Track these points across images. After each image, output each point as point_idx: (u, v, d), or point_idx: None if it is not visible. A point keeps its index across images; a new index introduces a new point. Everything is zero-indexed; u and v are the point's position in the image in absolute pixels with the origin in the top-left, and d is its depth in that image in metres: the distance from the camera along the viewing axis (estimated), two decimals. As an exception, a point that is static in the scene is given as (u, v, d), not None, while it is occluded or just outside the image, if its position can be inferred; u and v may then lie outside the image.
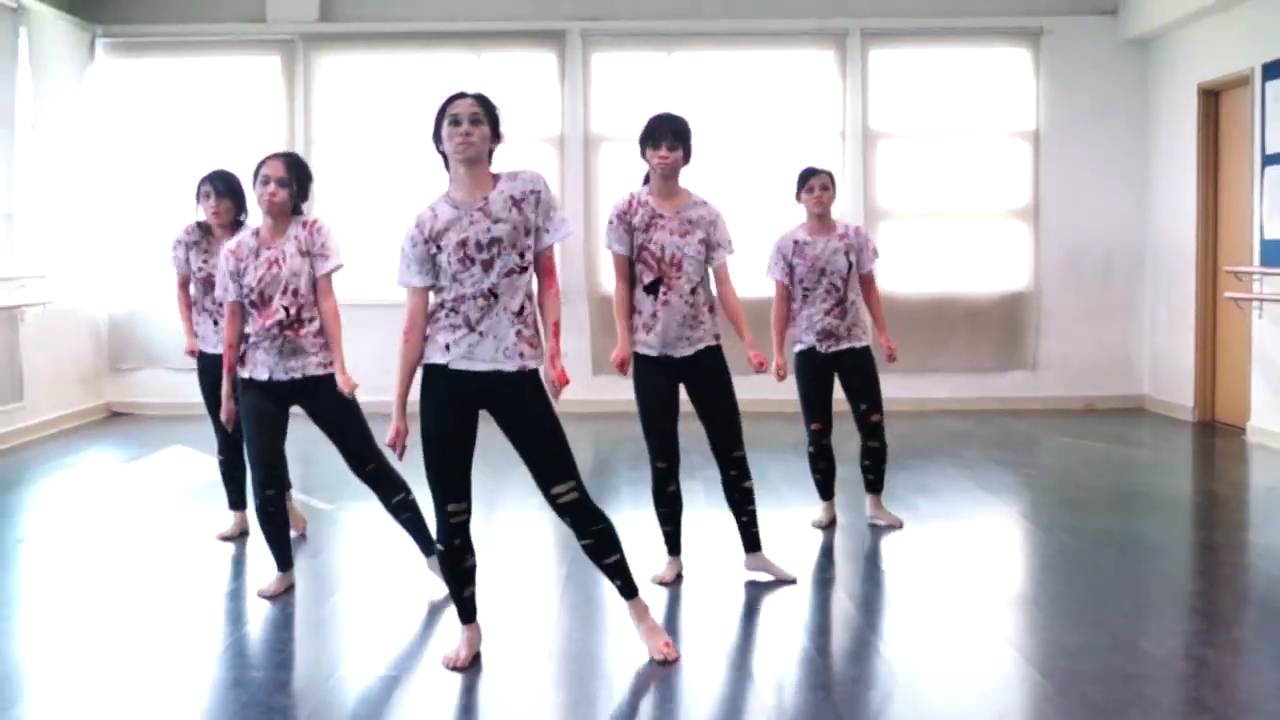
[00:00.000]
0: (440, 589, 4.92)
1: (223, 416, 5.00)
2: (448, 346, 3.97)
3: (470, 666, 4.09)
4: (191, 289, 5.83)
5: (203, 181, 5.79)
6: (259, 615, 4.77)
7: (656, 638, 4.17)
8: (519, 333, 3.99)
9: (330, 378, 4.85)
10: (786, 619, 4.70)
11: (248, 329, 4.84)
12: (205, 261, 5.74)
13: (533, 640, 4.40)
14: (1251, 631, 4.60)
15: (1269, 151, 8.53)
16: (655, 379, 4.94)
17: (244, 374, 4.87)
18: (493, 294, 3.96)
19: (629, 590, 4.20)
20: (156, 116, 10.30)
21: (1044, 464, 8.01)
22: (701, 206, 4.98)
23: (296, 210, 4.91)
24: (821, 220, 5.82)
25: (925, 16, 10.20)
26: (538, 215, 4.01)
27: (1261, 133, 8.61)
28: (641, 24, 10.21)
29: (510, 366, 3.98)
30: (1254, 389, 8.72)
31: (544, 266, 4.06)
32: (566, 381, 4.00)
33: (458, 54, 10.27)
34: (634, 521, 5.89)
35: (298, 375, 4.82)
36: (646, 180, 4.99)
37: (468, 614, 4.18)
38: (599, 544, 4.13)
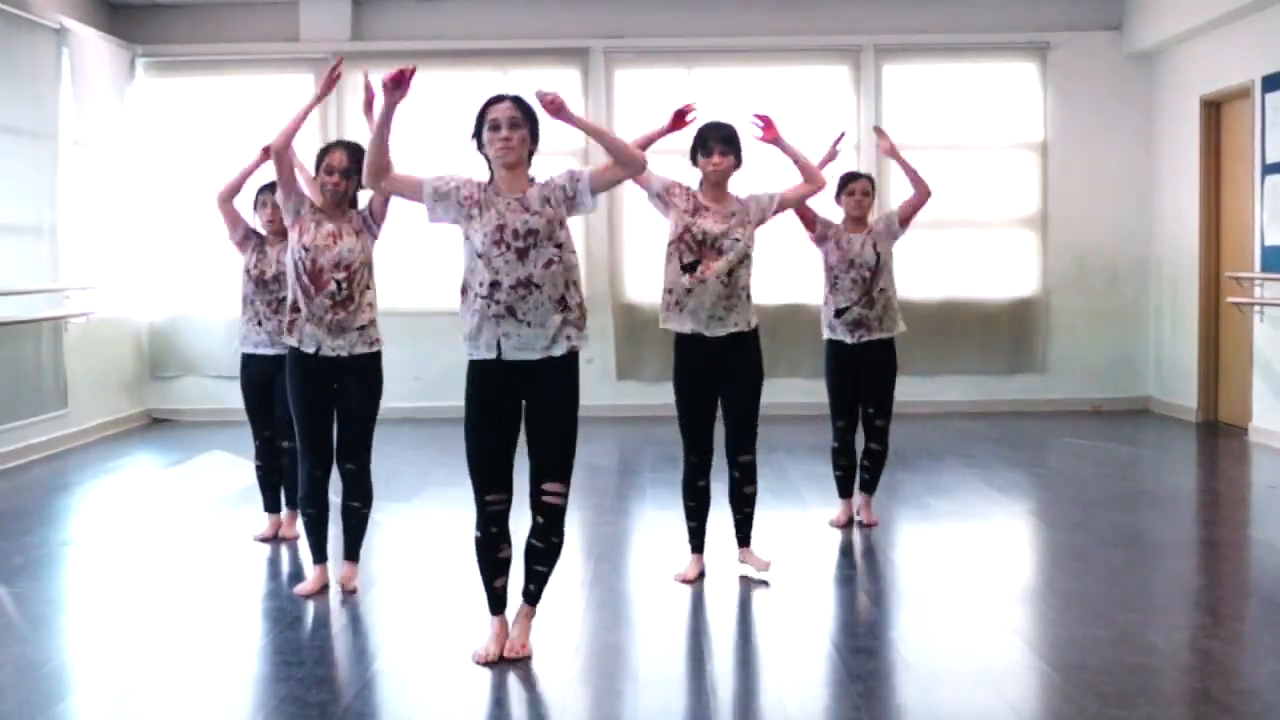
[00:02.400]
0: (473, 589, 5.04)
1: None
2: (498, 342, 3.98)
3: (499, 662, 4.09)
4: (243, 286, 5.72)
5: (261, 191, 5.74)
6: (296, 613, 4.81)
7: (518, 639, 4.16)
8: (565, 319, 4.02)
9: (373, 357, 4.89)
10: (805, 615, 4.75)
11: (301, 300, 4.78)
12: (260, 260, 5.67)
13: (560, 636, 4.42)
14: (1254, 625, 4.66)
15: (1269, 161, 8.63)
16: (691, 362, 4.98)
17: (291, 342, 4.85)
18: (532, 283, 3.96)
19: (534, 598, 4.20)
20: (194, 133, 10.46)
21: (1052, 464, 8.05)
22: (741, 200, 5.07)
23: (354, 203, 4.94)
24: (858, 222, 5.93)
25: (936, 33, 10.35)
26: (566, 189, 4.04)
27: (1262, 143, 8.71)
28: (662, 41, 10.39)
29: (559, 351, 4.02)
30: (1255, 390, 8.81)
31: (606, 166, 4.11)
32: (558, 102, 3.99)
33: (485, 71, 10.43)
34: (658, 524, 6.00)
35: (343, 353, 4.81)
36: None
37: (498, 604, 4.17)
38: (547, 551, 4.15)
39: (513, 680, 4.06)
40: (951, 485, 7.13)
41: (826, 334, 5.95)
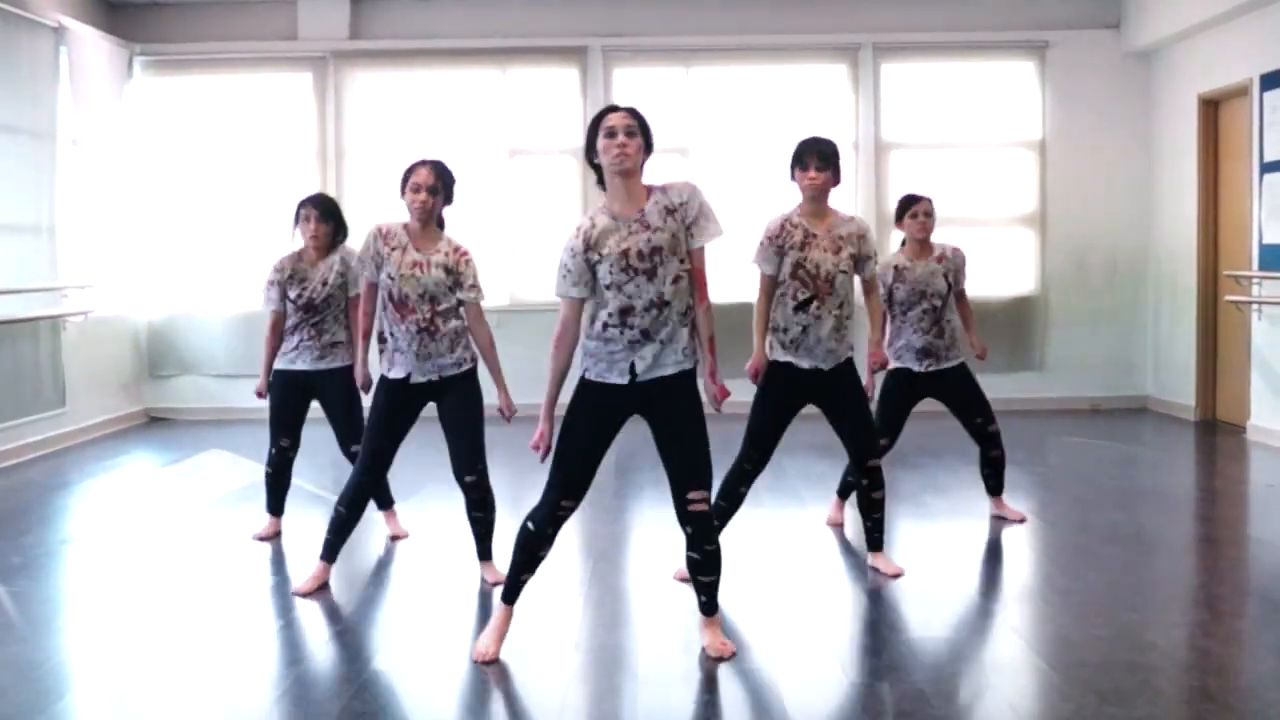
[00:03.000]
0: (474, 582, 5.07)
1: (360, 383, 5.21)
2: (632, 365, 4.02)
3: (495, 662, 4.13)
4: (290, 318, 5.75)
5: (303, 204, 5.81)
6: (294, 611, 4.83)
7: (715, 637, 4.23)
8: (689, 332, 4.07)
9: (467, 374, 4.97)
10: (803, 613, 4.77)
11: (388, 329, 4.89)
12: (304, 289, 5.71)
13: (559, 634, 4.45)
14: (1252, 623, 4.65)
15: (1267, 159, 8.65)
16: (784, 391, 5.03)
17: (383, 370, 4.94)
18: (664, 302, 4.00)
19: (710, 609, 4.24)
20: (192, 131, 10.49)
21: (1051, 462, 8.04)
22: (850, 222, 5.07)
23: (440, 223, 5.00)
24: (923, 245, 5.94)
25: (935, 31, 10.37)
26: (688, 219, 4.03)
27: (1260, 141, 8.73)
28: (661, 40, 10.41)
29: (688, 365, 4.07)
30: (1253, 389, 8.84)
31: (695, 277, 4.09)
32: (727, 394, 4.10)
33: (483, 70, 10.47)
34: (656, 523, 5.82)
35: (434, 377, 4.91)
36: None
37: (512, 595, 4.22)
38: (705, 562, 4.17)
39: (512, 678, 4.08)
40: (950, 484, 7.12)
41: (894, 364, 5.95)
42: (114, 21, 10.28)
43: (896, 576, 5.15)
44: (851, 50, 10.40)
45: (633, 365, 4.03)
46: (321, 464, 8.07)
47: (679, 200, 4.05)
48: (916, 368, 5.92)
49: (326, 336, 5.73)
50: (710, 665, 4.14)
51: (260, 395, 5.92)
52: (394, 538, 5.94)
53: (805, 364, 5.00)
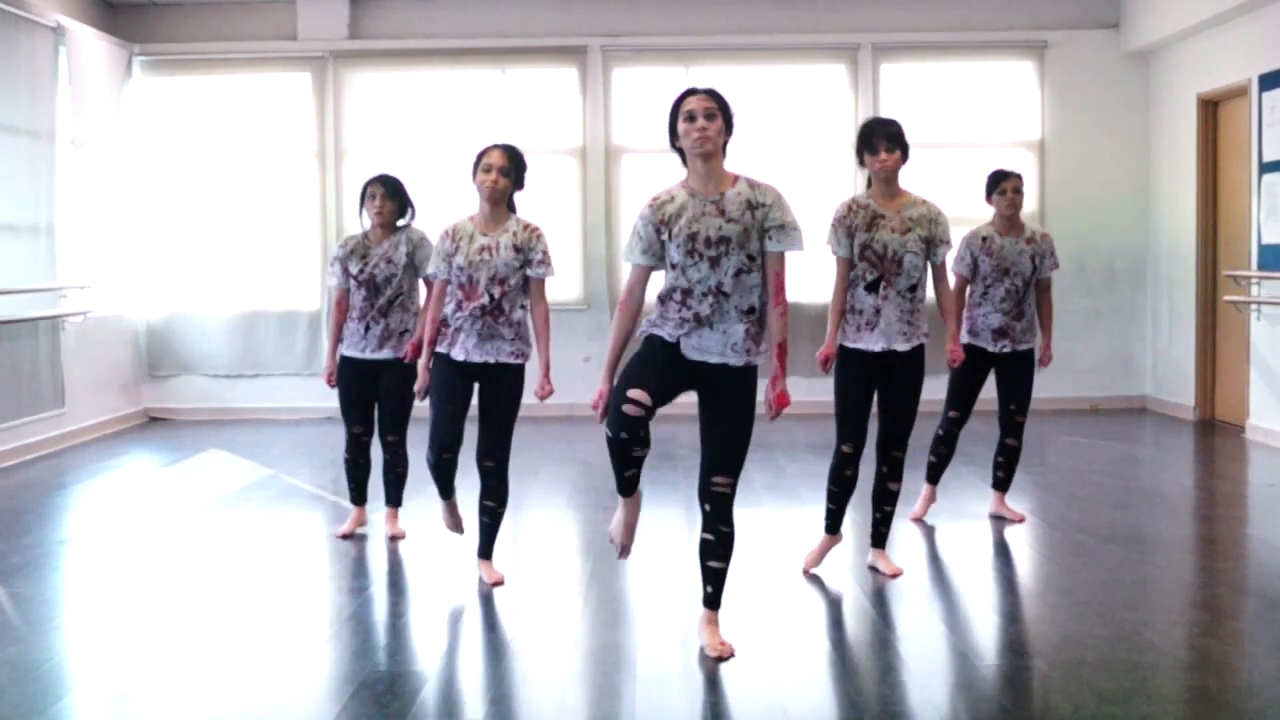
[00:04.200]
0: (474, 582, 5.06)
1: (417, 387, 5.16)
2: (685, 334, 4.01)
3: (629, 545, 4.27)
4: (355, 303, 5.79)
5: (369, 183, 5.82)
6: (292, 612, 4.85)
7: (713, 637, 4.20)
8: (747, 330, 4.02)
9: (518, 369, 5.01)
10: (801, 611, 4.79)
11: (450, 310, 4.96)
12: (364, 265, 5.75)
13: (559, 634, 4.46)
14: (1251, 622, 4.67)
15: (1266, 159, 8.67)
16: (865, 371, 5.01)
17: (441, 349, 4.99)
18: (721, 292, 3.98)
19: (714, 601, 4.23)
20: (192, 131, 10.51)
21: (1050, 462, 8.05)
22: (922, 205, 5.02)
23: (511, 206, 5.05)
24: (1011, 221, 5.90)
25: (934, 31, 10.39)
26: (768, 221, 4.01)
27: (1258, 141, 8.75)
28: (660, 40, 10.42)
29: (736, 362, 4.03)
30: (1252, 389, 8.86)
31: (771, 280, 4.05)
32: (786, 403, 4.09)
33: (483, 69, 10.48)
34: (656, 521, 5.98)
35: (491, 360, 4.95)
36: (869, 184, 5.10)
37: (627, 487, 4.20)
38: (718, 543, 4.16)
39: (511, 678, 4.09)
40: (949, 483, 7.06)
41: (966, 339, 5.95)
42: (113, 21, 10.29)
43: (895, 576, 5.15)
44: (850, 50, 10.42)
45: (685, 334, 4.02)
46: (319, 464, 8.08)
47: (763, 200, 4.04)
48: (990, 348, 5.92)
49: (393, 324, 5.76)
50: (710, 665, 4.14)
51: (329, 383, 5.91)
52: (393, 538, 5.94)
53: (877, 346, 4.97)
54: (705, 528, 4.18)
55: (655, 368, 4.04)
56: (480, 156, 4.96)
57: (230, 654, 4.34)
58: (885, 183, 4.99)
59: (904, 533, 6.00)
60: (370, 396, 5.89)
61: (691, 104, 4.00)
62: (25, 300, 8.65)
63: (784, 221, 4.04)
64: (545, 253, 5.00)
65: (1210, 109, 9.65)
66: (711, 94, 4.03)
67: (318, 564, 5.64)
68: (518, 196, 5.08)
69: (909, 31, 10.41)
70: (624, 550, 4.33)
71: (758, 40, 10.43)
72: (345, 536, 5.97)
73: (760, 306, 4.07)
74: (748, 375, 4.10)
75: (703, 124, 3.97)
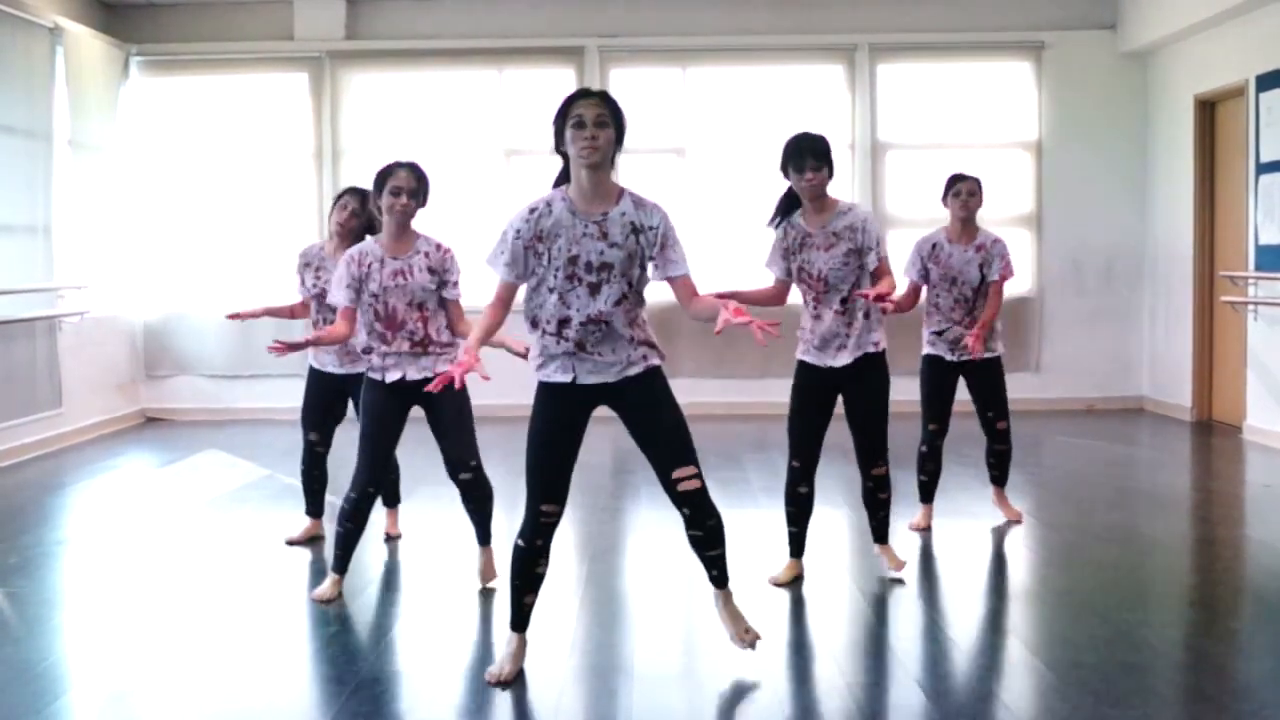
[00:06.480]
0: (471, 582, 5.06)
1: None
2: (573, 369, 3.80)
3: (514, 682, 3.96)
4: (312, 310, 5.70)
5: (343, 193, 5.70)
6: (287, 615, 4.82)
7: (737, 623, 4.08)
8: (632, 339, 3.82)
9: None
10: (798, 613, 4.77)
11: (378, 346, 4.74)
12: (318, 278, 5.63)
13: (554, 635, 4.42)
14: (1248, 623, 4.68)
15: (1263, 160, 8.68)
16: (809, 386, 4.96)
17: (374, 376, 4.78)
18: (603, 321, 3.77)
19: (721, 580, 4.08)
20: (189, 132, 10.51)
21: (1047, 463, 8.05)
22: (846, 214, 4.82)
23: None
24: (965, 225, 5.79)
25: (931, 31, 10.39)
26: (654, 248, 3.78)
27: (1255, 142, 8.76)
28: (657, 40, 10.42)
29: (635, 371, 3.84)
30: (1249, 389, 8.87)
31: (687, 295, 3.81)
32: (742, 314, 3.52)
33: (480, 70, 10.48)
34: (652, 523, 5.88)
35: (429, 374, 4.72)
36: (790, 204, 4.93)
37: (522, 621, 4.03)
38: (709, 537, 3.98)
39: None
40: (946, 484, 7.02)
41: (926, 349, 5.90)
42: (110, 22, 10.28)
43: (899, 568, 5.14)
44: (848, 51, 10.42)
45: (573, 369, 3.82)
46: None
47: (650, 223, 3.78)
48: (949, 356, 5.86)
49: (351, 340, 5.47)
50: (709, 666, 4.14)
51: (228, 316, 5.61)
52: (391, 537, 5.92)
53: (821, 363, 4.91)
54: (691, 527, 3.99)
55: (555, 441, 3.85)
56: (385, 176, 4.70)
57: (227, 654, 4.33)
58: (811, 200, 4.79)
59: (903, 533, 5.98)
60: (333, 410, 5.74)
61: (582, 109, 3.66)
62: (22, 300, 8.65)
63: (670, 243, 3.78)
64: (456, 272, 4.80)
65: (1207, 109, 9.65)
66: (605, 99, 3.72)
67: (315, 564, 5.62)
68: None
69: (906, 32, 10.41)
70: (501, 680, 3.95)
71: (755, 40, 10.43)
72: (294, 543, 5.87)
73: (643, 328, 3.87)
74: (656, 376, 3.89)
75: (592, 133, 3.64)
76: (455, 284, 4.81)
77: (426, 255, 4.78)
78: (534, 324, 3.85)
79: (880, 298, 4.63)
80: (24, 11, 8.74)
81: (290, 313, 5.81)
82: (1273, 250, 8.61)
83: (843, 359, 4.88)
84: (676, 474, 3.86)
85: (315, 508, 5.92)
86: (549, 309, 3.79)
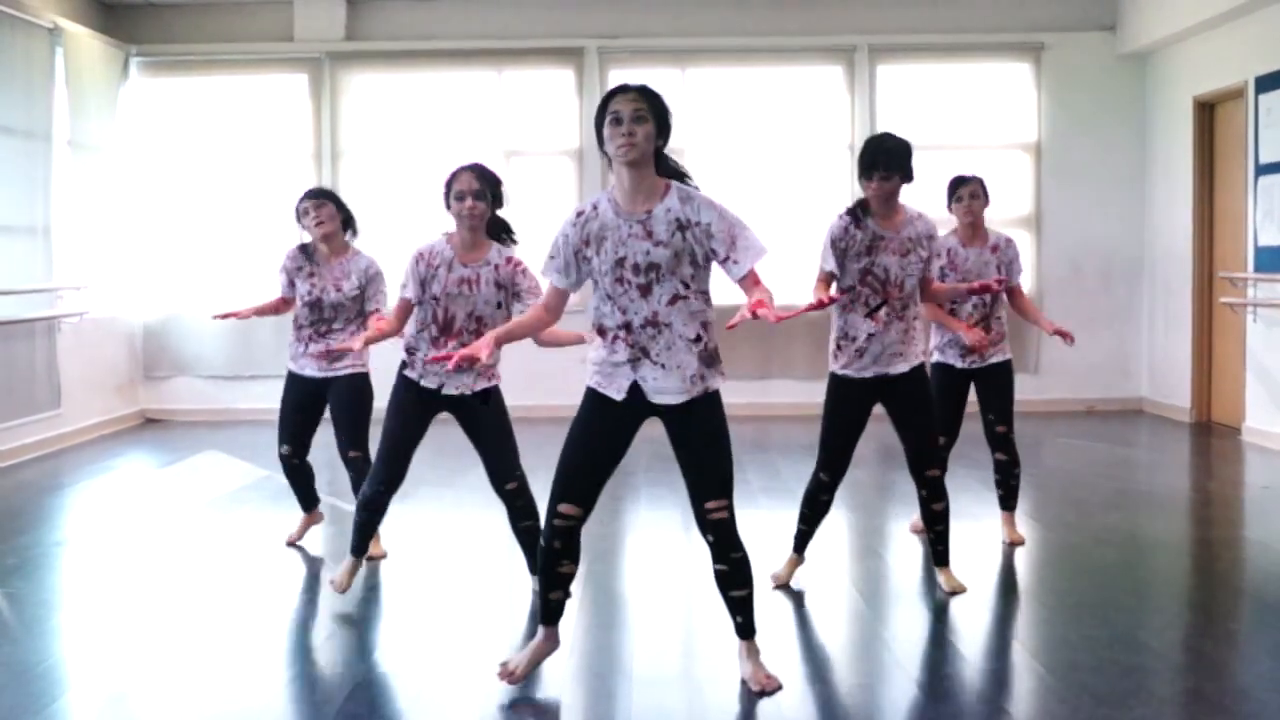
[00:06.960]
0: (471, 584, 5.06)
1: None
2: (630, 379, 3.67)
3: (524, 679, 3.93)
4: (297, 313, 5.58)
5: (302, 199, 5.60)
6: (289, 614, 4.83)
7: (758, 671, 3.91)
8: (694, 341, 3.66)
9: (492, 390, 4.70)
10: (797, 615, 4.78)
11: (424, 350, 4.60)
12: (313, 284, 5.50)
13: None
14: (1247, 624, 4.69)
15: (1262, 161, 8.69)
16: (850, 401, 4.83)
17: (412, 375, 4.66)
18: (660, 322, 3.63)
19: (747, 630, 3.93)
20: (188, 132, 10.51)
21: (1047, 464, 8.05)
22: (917, 221, 4.76)
23: (496, 229, 4.67)
24: (973, 229, 5.63)
25: (930, 33, 10.40)
26: (711, 243, 3.62)
27: (1254, 143, 8.77)
28: (656, 41, 10.43)
29: (697, 392, 3.70)
30: (1249, 391, 8.87)
31: (750, 284, 3.61)
32: (763, 307, 3.41)
33: (479, 71, 10.49)
34: (651, 524, 5.98)
35: (467, 391, 4.66)
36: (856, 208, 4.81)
37: (549, 615, 3.95)
38: (733, 572, 3.83)
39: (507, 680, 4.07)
40: (948, 485, 7.10)
41: (936, 357, 5.72)
42: (109, 22, 10.28)
43: (955, 593, 4.94)
44: (847, 52, 10.42)
45: (635, 385, 3.70)
46: (315, 465, 8.07)
47: (697, 218, 3.63)
48: (959, 364, 5.65)
49: (334, 344, 5.44)
50: (709, 667, 4.13)
51: (215, 316, 5.65)
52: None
53: (870, 373, 4.76)
54: (715, 559, 3.85)
55: (591, 448, 3.77)
56: (451, 181, 4.55)
57: (226, 655, 4.33)
58: (883, 203, 4.71)
59: (899, 534, 6.01)
60: (311, 416, 5.61)
61: (618, 105, 3.54)
62: (21, 301, 8.65)
63: (734, 240, 3.63)
64: (530, 288, 4.59)
65: (1206, 111, 9.66)
66: (643, 93, 3.59)
67: (313, 565, 5.62)
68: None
69: (906, 33, 10.41)
70: (512, 677, 3.92)
71: (754, 42, 10.43)
72: (294, 543, 5.85)
73: (708, 331, 3.72)
74: (713, 400, 3.76)
75: (629, 129, 3.51)
76: (529, 290, 4.57)
77: (496, 268, 4.59)
78: (601, 332, 3.74)
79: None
80: (23, 12, 8.74)
81: (275, 309, 5.67)
82: (1272, 252, 8.61)
83: (898, 367, 4.77)
84: (710, 505, 3.78)
85: (308, 502, 5.89)
86: (610, 315, 3.68)
